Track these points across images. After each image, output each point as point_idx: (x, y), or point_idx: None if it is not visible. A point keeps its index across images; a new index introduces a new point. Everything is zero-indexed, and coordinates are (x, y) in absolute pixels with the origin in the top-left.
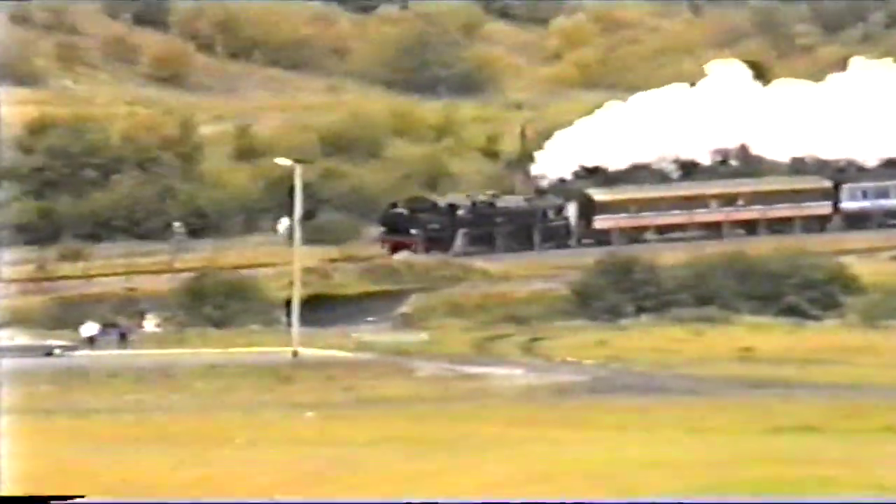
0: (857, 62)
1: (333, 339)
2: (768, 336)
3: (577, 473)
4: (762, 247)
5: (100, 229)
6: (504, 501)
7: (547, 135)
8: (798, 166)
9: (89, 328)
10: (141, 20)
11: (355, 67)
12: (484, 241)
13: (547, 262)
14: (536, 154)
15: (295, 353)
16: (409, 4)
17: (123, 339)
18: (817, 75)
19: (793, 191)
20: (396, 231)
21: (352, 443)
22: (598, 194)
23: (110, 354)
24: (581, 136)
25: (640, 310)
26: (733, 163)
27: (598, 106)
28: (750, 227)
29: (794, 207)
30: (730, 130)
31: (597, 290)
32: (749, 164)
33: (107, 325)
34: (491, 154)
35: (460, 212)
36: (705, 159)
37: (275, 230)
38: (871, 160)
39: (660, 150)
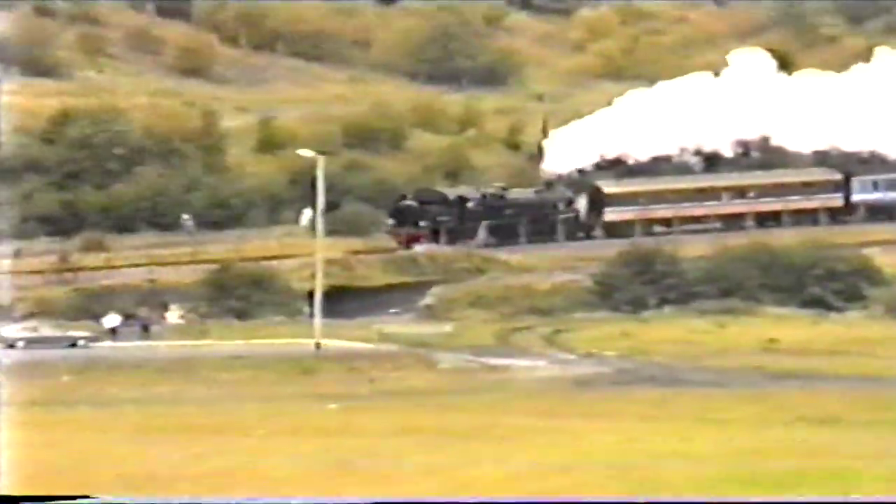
0: (881, 53)
1: (356, 331)
2: (791, 328)
3: (599, 465)
4: (785, 238)
5: (122, 221)
6: (504, 501)
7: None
8: (821, 158)
9: (112, 319)
10: (164, 11)
11: (378, 59)
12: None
13: (569, 253)
14: (553, 145)
15: (318, 345)
16: None
17: (146, 330)
18: (841, 66)
19: (803, 183)
20: (406, 223)
21: (374, 434)
22: (609, 186)
23: (133, 346)
24: (599, 126)
25: (663, 301)
26: (755, 154)
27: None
28: (761, 219)
29: (804, 200)
30: (752, 121)
31: (619, 281)
32: (771, 156)
33: (129, 317)
34: (513, 146)
35: (470, 204)
36: (727, 151)
37: (297, 222)
38: (894, 152)
39: (681, 141)
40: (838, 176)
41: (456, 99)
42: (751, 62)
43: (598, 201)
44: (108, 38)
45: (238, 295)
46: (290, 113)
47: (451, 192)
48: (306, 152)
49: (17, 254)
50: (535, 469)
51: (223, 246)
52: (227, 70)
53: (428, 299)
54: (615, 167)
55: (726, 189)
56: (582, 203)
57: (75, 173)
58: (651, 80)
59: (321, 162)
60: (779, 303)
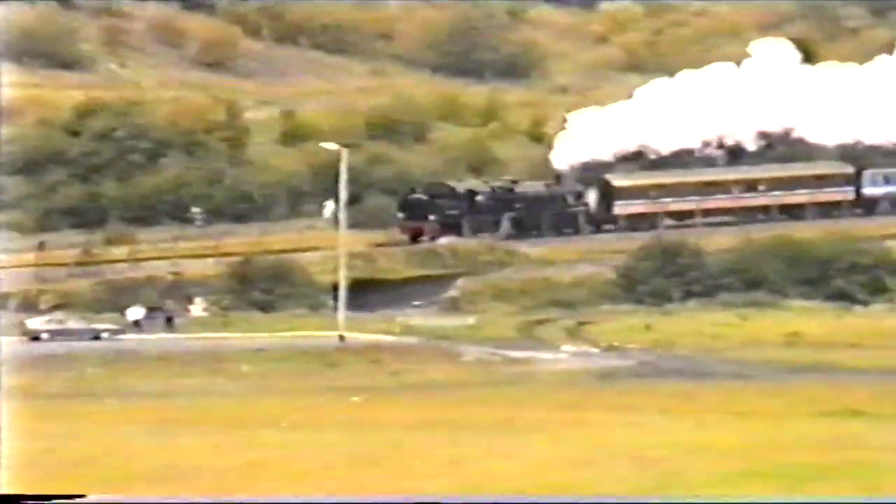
0: None
1: (379, 324)
2: (816, 320)
3: (622, 458)
4: (810, 231)
5: (146, 213)
6: (506, 501)
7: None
8: (844, 151)
9: (135, 312)
10: (188, 4)
11: (401, 51)
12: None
13: (591, 246)
14: (568, 137)
15: (341, 338)
16: None
17: (170, 322)
18: (864, 58)
19: (814, 176)
20: (415, 217)
21: (397, 426)
22: (618, 180)
23: (157, 338)
24: (618, 118)
25: (687, 294)
26: (778, 147)
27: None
28: (777, 211)
29: (815, 193)
30: (775, 113)
31: (643, 274)
32: (793, 148)
33: (152, 309)
34: (536, 138)
35: (479, 197)
36: (749, 143)
37: (321, 214)
38: None
39: (703, 133)
40: (850, 169)
41: (479, 91)
42: (773, 53)
43: (609, 195)
44: (131, 30)
45: (261, 288)
46: (312, 106)
47: (461, 186)
48: (329, 145)
49: (41, 246)
50: (557, 462)
51: (246, 239)
52: (250, 63)
53: (453, 291)
54: (636, 160)
55: (736, 182)
56: (592, 196)
57: (98, 166)
58: (674, 74)
59: (344, 154)
60: (803, 296)
